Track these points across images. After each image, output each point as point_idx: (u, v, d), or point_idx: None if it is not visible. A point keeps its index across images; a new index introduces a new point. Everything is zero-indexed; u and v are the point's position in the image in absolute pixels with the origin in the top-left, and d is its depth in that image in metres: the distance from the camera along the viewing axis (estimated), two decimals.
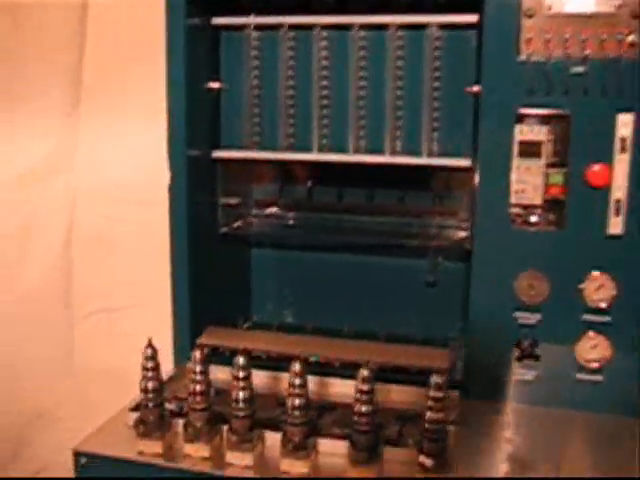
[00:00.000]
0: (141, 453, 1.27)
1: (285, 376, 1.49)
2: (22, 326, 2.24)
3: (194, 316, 1.60)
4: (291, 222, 1.80)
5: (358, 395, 1.19)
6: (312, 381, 1.48)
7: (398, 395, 1.48)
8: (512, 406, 1.44)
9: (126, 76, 1.97)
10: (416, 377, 1.45)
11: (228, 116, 1.63)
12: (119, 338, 2.20)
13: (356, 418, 1.19)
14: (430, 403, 1.19)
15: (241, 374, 1.22)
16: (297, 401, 1.20)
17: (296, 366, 1.20)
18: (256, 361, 1.53)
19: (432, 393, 1.18)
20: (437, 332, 1.72)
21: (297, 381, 1.20)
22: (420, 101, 1.50)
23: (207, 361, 1.27)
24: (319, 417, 1.38)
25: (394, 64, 1.49)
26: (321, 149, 1.57)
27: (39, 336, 2.25)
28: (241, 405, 1.22)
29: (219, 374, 1.54)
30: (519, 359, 1.43)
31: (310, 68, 1.55)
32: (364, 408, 1.19)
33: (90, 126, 2.12)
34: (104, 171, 2.12)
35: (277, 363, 1.54)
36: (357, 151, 1.55)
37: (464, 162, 1.46)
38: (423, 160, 1.50)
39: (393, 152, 1.53)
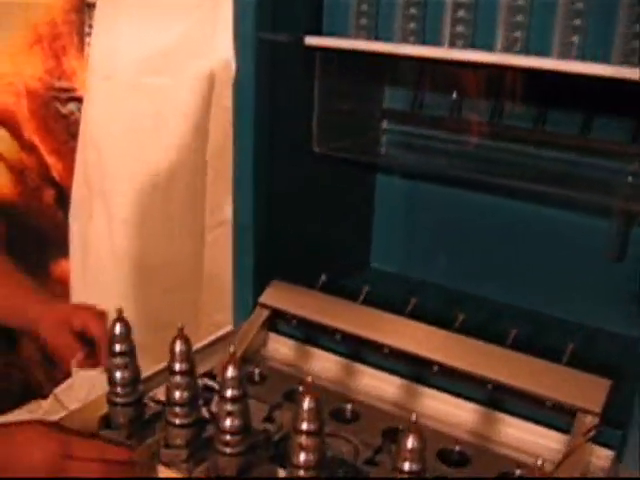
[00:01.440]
0: None
1: (365, 371, 1.01)
2: (154, 224, 1.95)
3: (265, 262, 1.13)
4: (427, 145, 1.24)
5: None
6: (394, 384, 0.98)
7: (516, 433, 0.92)
8: None
9: None
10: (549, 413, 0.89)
11: None
12: None
13: None
14: None
15: (229, 393, 0.74)
16: (303, 457, 0.70)
17: (306, 401, 0.69)
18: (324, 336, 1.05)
19: None
20: (615, 328, 1.12)
21: (305, 426, 0.69)
22: None
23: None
24: (376, 452, 0.87)
25: None
26: (454, 43, 0.97)
27: (170, 239, 1.95)
28: (228, 437, 0.75)
29: (281, 348, 1.09)
30: None
31: None
32: None
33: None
34: None
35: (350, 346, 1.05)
36: (508, 49, 0.93)
37: None
38: (607, 69, 0.86)
39: (563, 54, 0.90)
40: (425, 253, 1.34)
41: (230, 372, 0.73)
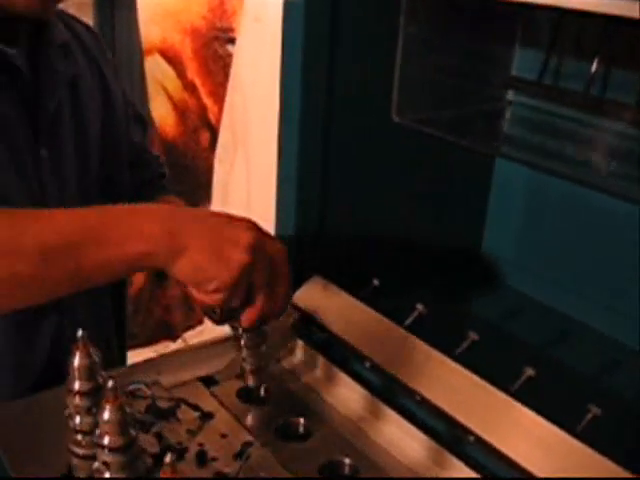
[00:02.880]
0: None
1: (390, 416, 0.75)
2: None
3: (313, 249, 0.90)
4: (561, 126, 0.90)
5: None
6: (418, 442, 0.72)
7: None
8: None
9: None
10: None
11: None
12: None
13: None
14: None
15: (107, 440, 0.52)
16: None
17: None
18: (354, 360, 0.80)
19: None
20: None
21: None
22: None
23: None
24: None
25: None
26: None
27: None
28: None
29: (308, 363, 0.85)
30: None
31: None
32: None
33: None
34: None
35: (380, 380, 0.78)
36: None
37: None
38: None
39: None
40: (541, 262, 1.01)
41: (107, 414, 0.51)
